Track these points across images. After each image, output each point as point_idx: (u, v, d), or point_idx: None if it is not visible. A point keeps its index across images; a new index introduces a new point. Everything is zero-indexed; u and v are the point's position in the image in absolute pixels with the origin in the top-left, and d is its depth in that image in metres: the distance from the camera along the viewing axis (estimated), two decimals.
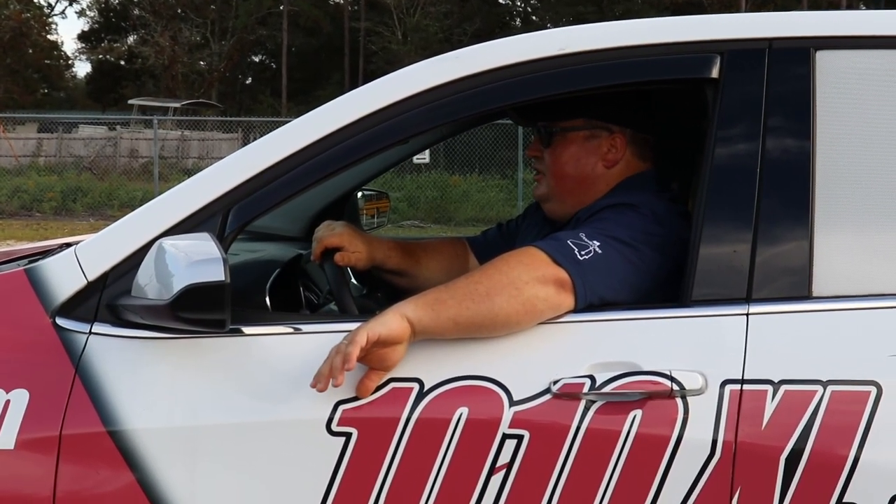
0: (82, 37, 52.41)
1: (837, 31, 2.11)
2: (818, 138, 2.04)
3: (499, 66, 2.13)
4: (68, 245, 2.42)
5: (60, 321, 2.03)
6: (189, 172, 20.23)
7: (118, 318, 2.02)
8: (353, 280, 2.89)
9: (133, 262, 2.03)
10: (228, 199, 2.08)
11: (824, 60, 2.08)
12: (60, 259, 2.13)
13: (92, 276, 2.06)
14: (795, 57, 2.09)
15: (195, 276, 1.85)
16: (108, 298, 2.04)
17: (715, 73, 2.09)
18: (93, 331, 2.02)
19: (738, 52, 2.10)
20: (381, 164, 3.37)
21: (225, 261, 1.87)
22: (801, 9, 34.80)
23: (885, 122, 2.06)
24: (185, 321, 1.88)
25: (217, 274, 1.85)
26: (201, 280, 1.85)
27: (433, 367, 1.96)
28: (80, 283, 2.06)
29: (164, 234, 2.04)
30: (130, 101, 33.44)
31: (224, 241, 2.05)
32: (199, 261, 1.86)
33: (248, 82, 49.80)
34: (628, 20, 2.25)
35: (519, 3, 48.34)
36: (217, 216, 2.07)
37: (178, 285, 1.86)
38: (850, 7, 36.89)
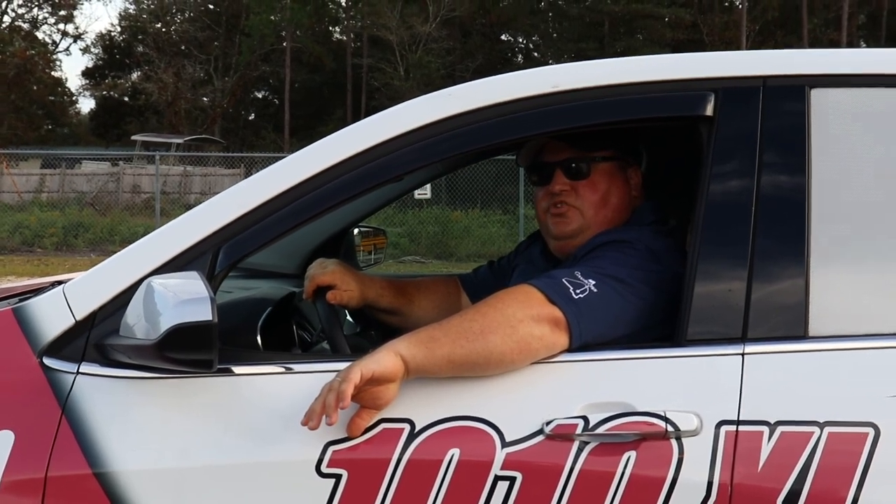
0: (86, 73, 52.69)
1: (832, 69, 2.10)
2: (813, 176, 2.03)
3: (492, 104, 2.12)
4: (60, 283, 2.40)
5: (48, 361, 2.01)
6: (191, 208, 20.25)
7: (106, 358, 1.99)
8: (349, 318, 2.87)
9: (122, 301, 2.02)
10: (218, 237, 2.06)
11: (819, 98, 2.07)
12: (48, 298, 2.11)
13: (80, 315, 2.04)
14: (790, 94, 2.08)
15: (182, 316, 1.83)
16: (96, 338, 2.01)
17: (709, 111, 2.08)
18: (80, 371, 2.00)
19: (733, 90, 2.09)
20: (379, 200, 3.36)
21: (212, 300, 1.85)
22: (802, 46, 35.02)
23: (880, 159, 2.05)
24: (172, 361, 1.86)
25: (204, 314, 1.83)
26: (188, 320, 1.82)
27: (424, 407, 1.94)
28: (68, 322, 2.04)
29: (154, 273, 2.02)
30: (134, 137, 33.57)
31: (214, 280, 2.03)
32: (186, 300, 1.84)
33: (250, 118, 49.98)
34: (623, 58, 2.23)
35: (521, 40, 48.61)
36: (207, 255, 2.05)
37: (164, 325, 1.83)
38: (850, 45, 37.10)
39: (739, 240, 2.01)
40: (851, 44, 38.35)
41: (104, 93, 51.19)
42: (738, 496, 1.87)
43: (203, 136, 37.13)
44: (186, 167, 26.56)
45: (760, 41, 38.25)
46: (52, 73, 49.59)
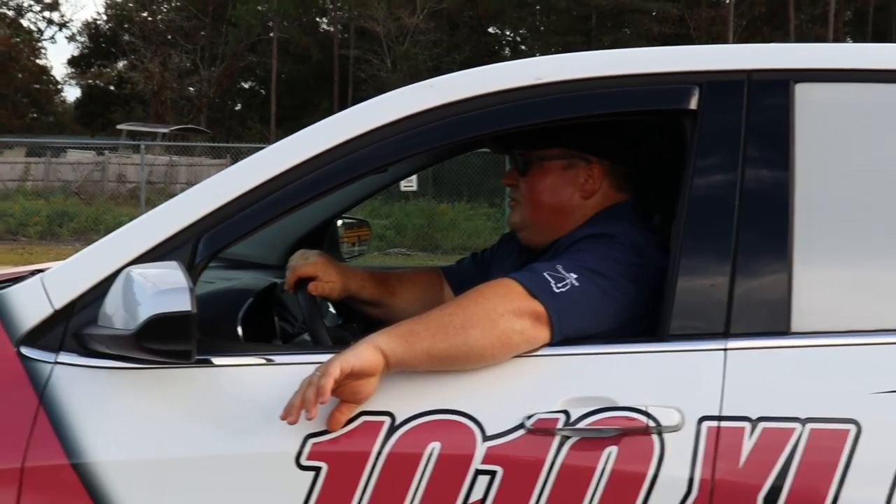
0: (72, 62, 52.41)
1: (817, 63, 2.10)
2: (797, 171, 2.02)
3: (475, 95, 2.10)
4: (40, 272, 2.37)
5: (25, 350, 1.99)
6: None
7: (85, 348, 1.97)
8: (332, 309, 2.85)
9: (101, 290, 1.99)
10: (199, 227, 2.04)
11: (803, 93, 2.06)
12: (27, 286, 2.08)
13: (59, 304, 2.01)
14: (774, 89, 2.06)
15: (161, 306, 1.81)
16: (74, 327, 1.99)
17: (693, 105, 2.07)
18: (58, 360, 1.97)
19: (717, 84, 2.08)
20: (363, 191, 3.34)
21: (191, 290, 1.83)
22: (788, 42, 35.07)
23: (863, 154, 2.05)
24: (150, 352, 1.84)
25: (183, 304, 1.81)
26: (167, 310, 1.80)
27: (405, 400, 1.92)
28: (47, 311, 2.01)
29: (133, 263, 2.00)
30: (119, 127, 33.44)
31: (194, 270, 2.01)
32: (164, 290, 1.82)
33: (237, 108, 49.86)
34: (607, 50, 2.22)
35: (508, 33, 48.58)
36: (187, 244, 2.03)
37: (143, 315, 1.81)
38: (836, 41, 37.19)
39: (723, 235, 1.99)
40: (838, 40, 38.44)
41: (90, 81, 50.95)
42: (719, 492, 1.86)
43: (189, 125, 36.99)
44: (172, 157, 26.44)
45: (747, 36, 38.33)
46: (37, 61, 49.40)
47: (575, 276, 2.01)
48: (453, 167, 19.36)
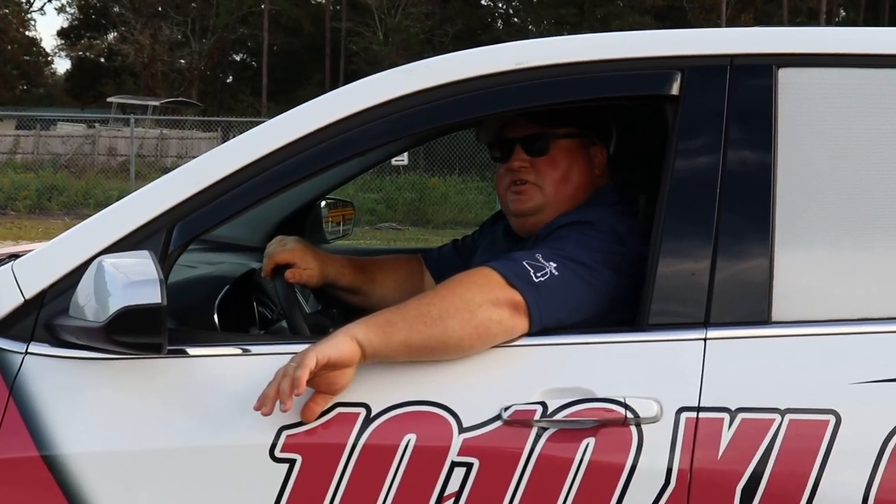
0: (62, 33, 52.06)
1: (800, 48, 2.07)
2: (779, 157, 2.00)
3: (454, 80, 2.07)
4: (16, 256, 2.34)
5: None
6: (167, 171, 20.01)
7: (56, 338, 1.94)
8: (312, 295, 2.83)
9: (73, 279, 1.96)
10: (173, 214, 2.01)
11: (786, 77, 2.03)
12: None
13: (29, 293, 1.98)
14: (757, 74, 2.04)
15: (130, 298, 1.77)
16: (45, 317, 1.96)
17: (675, 90, 2.04)
18: (29, 351, 1.95)
19: (700, 69, 2.05)
20: (348, 171, 3.31)
21: (162, 282, 1.79)
22: (781, 14, 34.99)
23: (846, 139, 2.02)
24: (120, 344, 1.81)
25: (153, 296, 1.78)
26: (136, 302, 1.77)
27: (381, 391, 1.90)
28: (17, 300, 1.98)
29: (106, 251, 1.96)
30: (110, 99, 33.22)
31: (168, 259, 1.98)
32: (135, 282, 1.79)
33: (228, 81, 49.63)
34: (589, 34, 2.19)
35: (501, 5, 48.38)
36: (161, 233, 2.00)
37: (113, 307, 1.78)
38: (829, 14, 37.09)
39: (704, 224, 1.97)
40: (831, 13, 38.35)
41: (80, 54, 50.67)
42: (697, 484, 1.85)
43: (180, 98, 36.80)
44: (163, 130, 26.32)
45: (740, 8, 38.21)
46: (27, 32, 49.07)
47: (554, 265, 1.98)
48: (444, 141, 19.31)
